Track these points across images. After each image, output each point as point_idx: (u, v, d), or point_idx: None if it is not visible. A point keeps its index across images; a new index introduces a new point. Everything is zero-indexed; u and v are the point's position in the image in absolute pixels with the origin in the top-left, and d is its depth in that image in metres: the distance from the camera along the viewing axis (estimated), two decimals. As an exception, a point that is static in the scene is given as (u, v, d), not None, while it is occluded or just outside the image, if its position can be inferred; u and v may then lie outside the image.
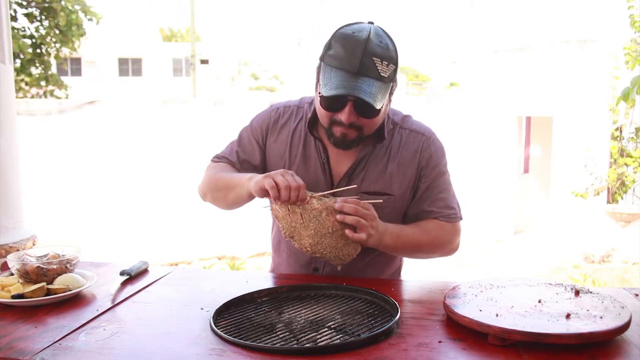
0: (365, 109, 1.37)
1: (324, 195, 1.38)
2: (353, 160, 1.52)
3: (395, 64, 1.39)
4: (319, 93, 1.40)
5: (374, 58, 1.33)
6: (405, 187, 1.53)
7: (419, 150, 1.53)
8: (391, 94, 1.47)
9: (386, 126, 1.52)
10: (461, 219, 1.57)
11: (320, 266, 1.59)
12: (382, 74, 1.35)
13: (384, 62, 1.35)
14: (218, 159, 1.65)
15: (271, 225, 1.74)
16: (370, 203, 1.38)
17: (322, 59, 1.41)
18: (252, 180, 1.39)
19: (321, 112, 1.45)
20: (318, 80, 1.42)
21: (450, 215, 1.54)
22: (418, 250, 1.53)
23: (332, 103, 1.39)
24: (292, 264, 1.63)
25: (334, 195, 1.41)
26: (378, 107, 1.35)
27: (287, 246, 1.64)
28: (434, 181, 1.54)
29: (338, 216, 1.32)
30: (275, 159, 1.59)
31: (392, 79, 1.40)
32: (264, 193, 1.34)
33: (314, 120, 1.54)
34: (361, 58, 1.32)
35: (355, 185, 1.46)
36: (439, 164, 1.55)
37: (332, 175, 1.53)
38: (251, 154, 1.61)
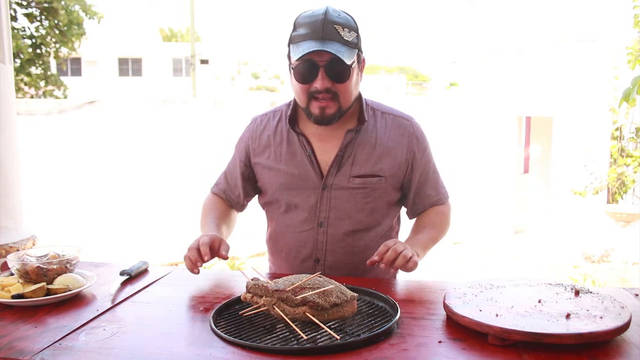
0: (337, 72, 1.43)
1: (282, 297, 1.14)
2: (339, 147, 1.56)
3: (357, 32, 1.48)
4: (292, 67, 1.47)
5: (334, 25, 1.43)
6: (396, 168, 1.58)
7: (406, 134, 1.61)
8: (361, 66, 1.54)
9: (365, 111, 1.59)
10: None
11: (322, 257, 1.60)
12: (345, 39, 1.44)
13: (345, 29, 1.44)
14: (215, 187, 1.78)
15: (266, 227, 1.74)
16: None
17: (289, 42, 1.50)
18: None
19: (297, 90, 1.50)
20: (290, 62, 1.49)
21: (445, 195, 1.70)
22: (434, 244, 1.65)
23: (304, 72, 1.44)
24: (292, 260, 1.64)
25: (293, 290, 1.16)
26: (348, 62, 1.42)
27: (285, 243, 1.64)
28: (427, 166, 1.64)
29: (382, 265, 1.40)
30: (263, 162, 1.63)
31: (356, 45, 1.47)
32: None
33: (294, 117, 1.60)
34: (323, 26, 1.42)
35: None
36: (426, 148, 1.65)
37: (319, 166, 1.57)
38: (234, 185, 1.73)
